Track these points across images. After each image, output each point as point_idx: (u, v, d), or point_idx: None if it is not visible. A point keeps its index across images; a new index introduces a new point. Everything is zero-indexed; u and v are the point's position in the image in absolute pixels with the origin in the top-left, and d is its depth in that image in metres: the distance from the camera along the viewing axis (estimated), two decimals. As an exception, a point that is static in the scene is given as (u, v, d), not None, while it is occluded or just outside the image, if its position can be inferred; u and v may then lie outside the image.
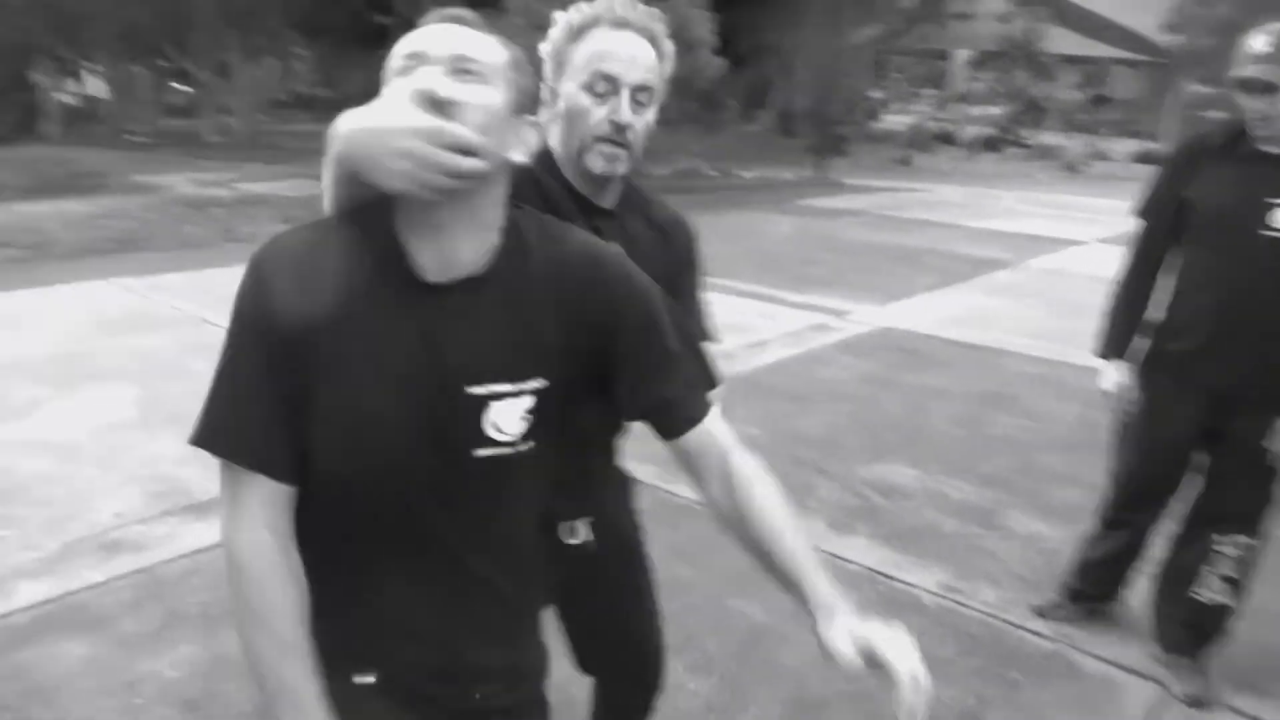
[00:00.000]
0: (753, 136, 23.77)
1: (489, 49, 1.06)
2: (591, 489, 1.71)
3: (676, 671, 2.30)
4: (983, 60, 29.09)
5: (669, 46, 1.50)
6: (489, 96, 1.04)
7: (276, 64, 25.48)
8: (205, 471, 3.64)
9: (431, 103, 1.00)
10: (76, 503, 3.45)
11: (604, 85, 1.43)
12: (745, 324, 6.54)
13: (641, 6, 1.48)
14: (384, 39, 13.63)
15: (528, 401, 1.12)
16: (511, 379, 1.11)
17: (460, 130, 1.00)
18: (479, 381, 1.09)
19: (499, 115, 1.04)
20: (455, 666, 1.21)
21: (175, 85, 23.68)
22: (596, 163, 1.47)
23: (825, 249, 10.06)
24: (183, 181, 12.60)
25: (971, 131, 25.70)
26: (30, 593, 2.86)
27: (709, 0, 14.58)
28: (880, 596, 3.13)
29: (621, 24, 1.44)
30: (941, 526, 3.68)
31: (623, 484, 1.85)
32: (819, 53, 20.52)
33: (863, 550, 3.45)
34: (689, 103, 15.47)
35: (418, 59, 1.03)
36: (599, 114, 1.44)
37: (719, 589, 3.09)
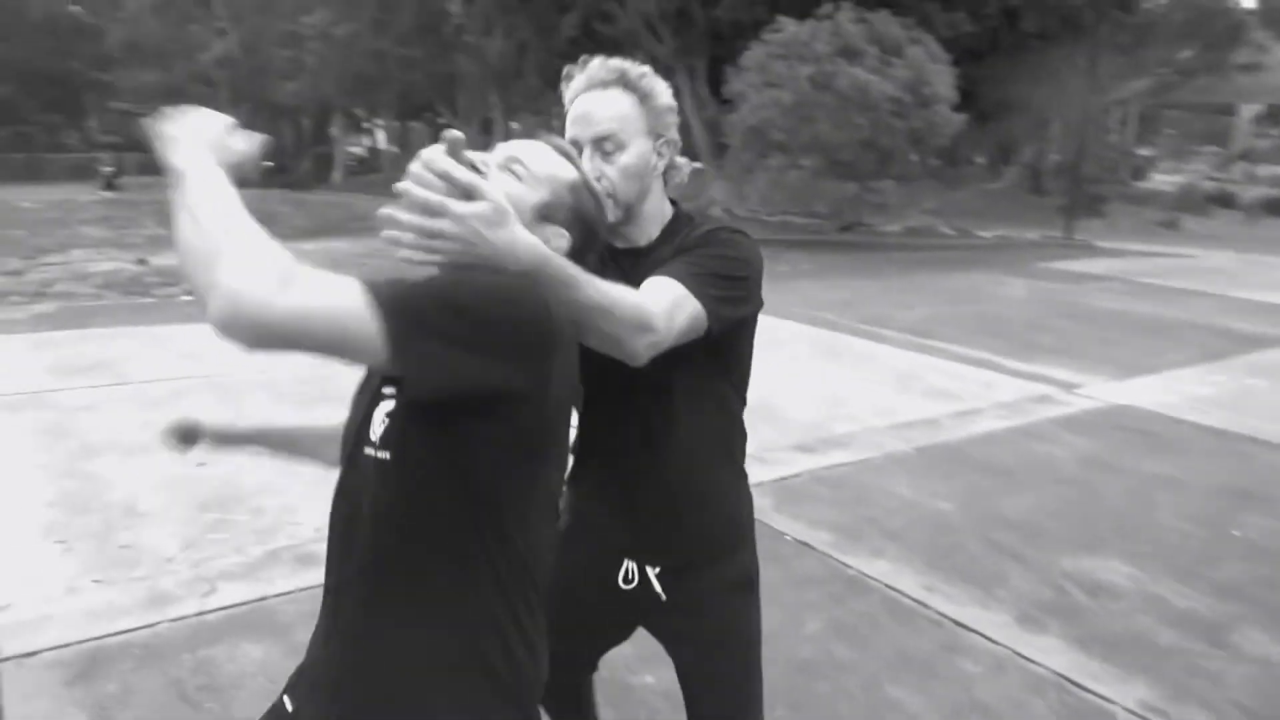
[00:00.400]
0: (998, 194, 22.67)
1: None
2: (662, 525, 1.64)
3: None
4: (1272, 115, 26.18)
5: (648, 85, 1.56)
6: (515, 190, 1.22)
7: (533, 119, 27.39)
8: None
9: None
10: (284, 515, 3.77)
11: (577, 148, 1.52)
12: (958, 390, 6.16)
13: (611, 61, 1.56)
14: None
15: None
16: None
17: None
18: None
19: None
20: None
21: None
22: None
23: (1062, 315, 9.34)
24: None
25: (1254, 193, 23.14)
26: (229, 594, 3.15)
27: (952, 55, 14.12)
28: (1066, 707, 2.79)
29: (582, 88, 1.55)
30: (1155, 636, 3.23)
31: (730, 535, 1.72)
32: (1076, 107, 19.31)
33: (1053, 652, 3.09)
34: (928, 159, 15.01)
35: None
36: None
37: (877, 674, 2.88)
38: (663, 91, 1.59)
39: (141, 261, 9.38)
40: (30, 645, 2.80)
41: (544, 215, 1.24)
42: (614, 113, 1.53)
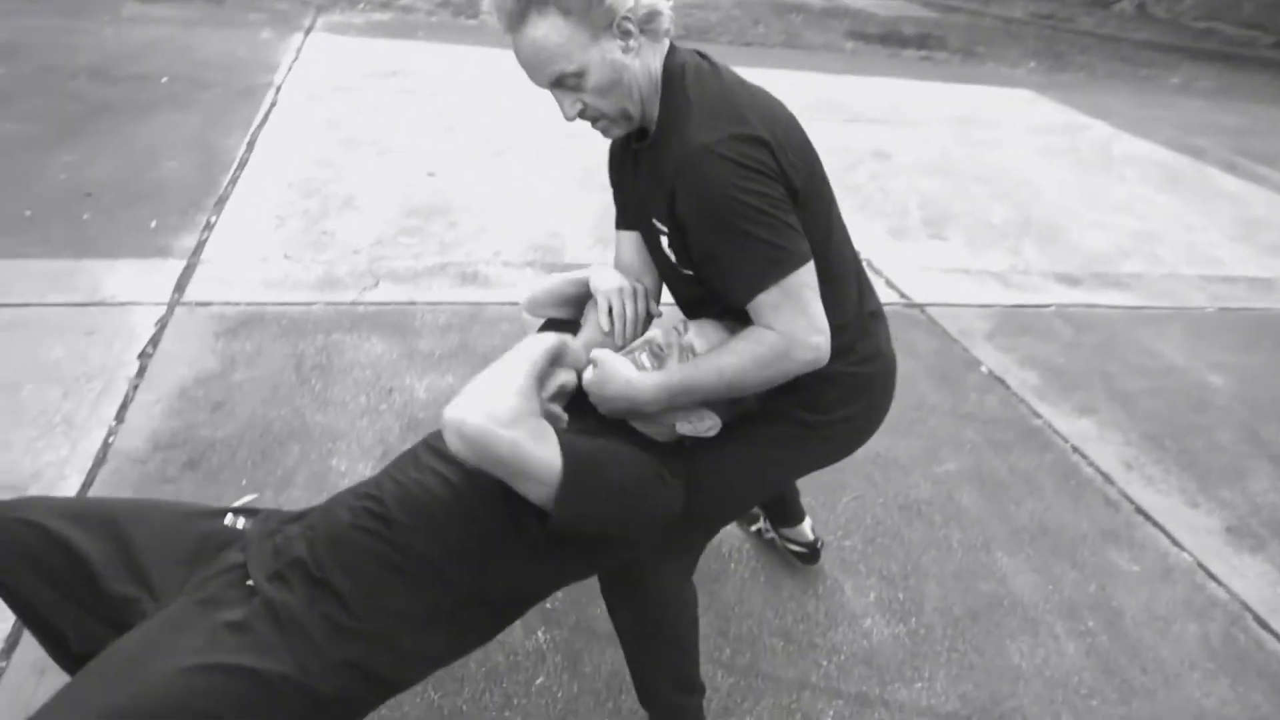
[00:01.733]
0: None
1: None
2: None
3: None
4: None
5: None
6: None
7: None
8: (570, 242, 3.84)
9: None
10: (473, 236, 3.84)
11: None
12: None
13: None
14: None
15: None
16: None
17: None
18: None
19: None
20: None
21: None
22: None
23: None
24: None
25: None
26: (385, 292, 3.29)
27: None
28: (1230, 648, 2.19)
29: (503, 28, 1.32)
30: None
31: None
32: None
33: (1251, 578, 2.43)
34: None
35: None
36: None
37: (994, 540, 2.43)
38: None
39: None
40: (208, 297, 3.13)
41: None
42: (550, 46, 1.29)
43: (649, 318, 1.59)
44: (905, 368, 3.17)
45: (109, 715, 1.01)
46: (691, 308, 1.56)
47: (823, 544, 2.27)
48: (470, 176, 4.48)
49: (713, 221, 1.30)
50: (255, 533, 1.29)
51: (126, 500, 1.36)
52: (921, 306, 3.73)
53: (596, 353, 1.40)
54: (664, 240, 1.44)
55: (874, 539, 2.39)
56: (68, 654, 1.27)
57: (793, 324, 1.31)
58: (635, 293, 1.57)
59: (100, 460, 2.31)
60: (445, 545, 1.24)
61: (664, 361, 1.42)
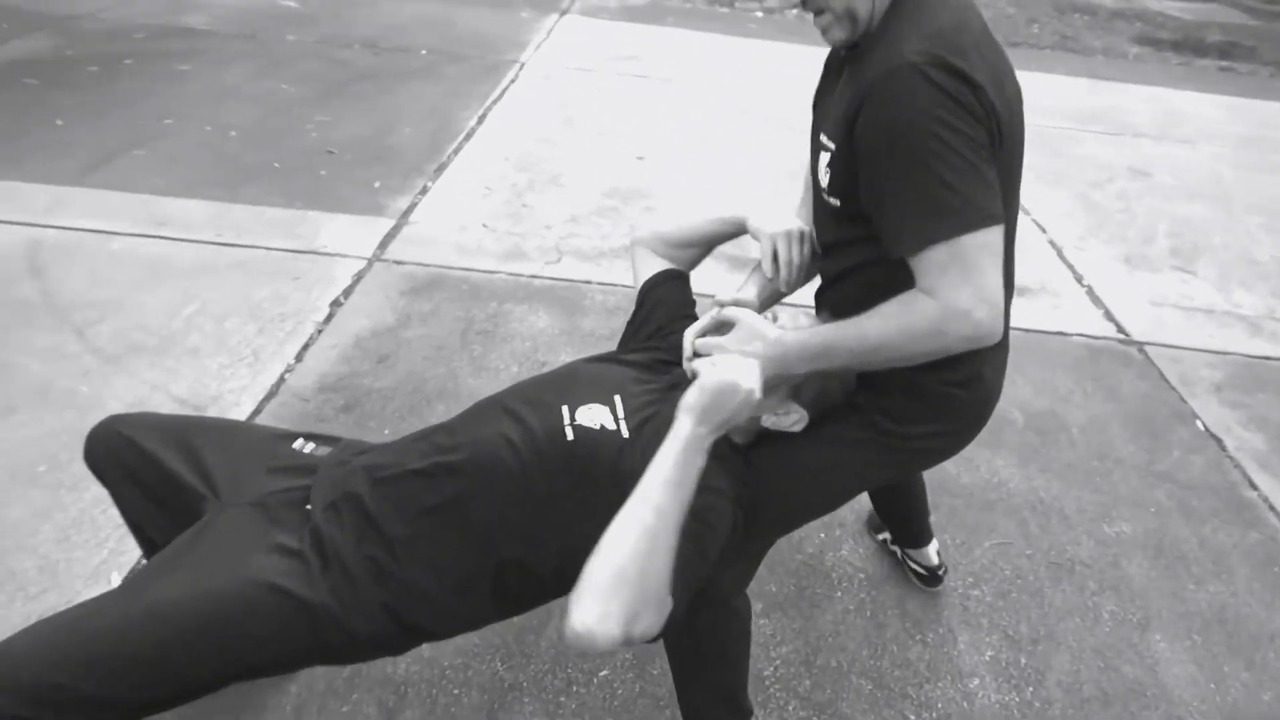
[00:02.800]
0: None
1: None
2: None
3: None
4: None
5: None
6: None
7: None
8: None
9: None
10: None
11: None
12: None
13: None
14: None
15: None
16: None
17: None
18: None
19: None
20: None
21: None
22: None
23: None
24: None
25: None
26: (566, 268, 3.38)
27: None
28: None
29: None
30: None
31: None
32: None
33: None
34: None
35: None
36: None
37: (1153, 621, 2.13)
38: None
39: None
40: (404, 256, 3.35)
41: (792, 394, 1.37)
42: None
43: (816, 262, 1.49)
44: (1100, 410, 2.87)
45: (161, 607, 1.10)
46: (830, 255, 1.43)
47: (946, 570, 2.10)
48: (678, 162, 4.49)
49: (896, 148, 1.15)
50: (328, 460, 1.35)
51: (211, 420, 1.47)
52: (1140, 345, 3.32)
53: (731, 312, 1.32)
54: (824, 159, 1.30)
55: (1008, 593, 2.16)
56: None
57: (955, 292, 1.14)
58: (803, 237, 1.47)
59: (272, 393, 2.54)
60: (501, 514, 1.24)
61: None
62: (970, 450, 2.58)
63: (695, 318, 1.48)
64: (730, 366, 1.19)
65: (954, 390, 1.36)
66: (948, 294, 1.14)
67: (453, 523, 1.22)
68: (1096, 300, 3.60)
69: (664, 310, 1.56)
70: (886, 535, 2.20)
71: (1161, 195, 4.83)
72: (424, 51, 5.84)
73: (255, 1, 6.63)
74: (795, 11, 8.36)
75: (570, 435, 1.26)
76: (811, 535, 2.24)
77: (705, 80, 5.87)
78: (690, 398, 1.18)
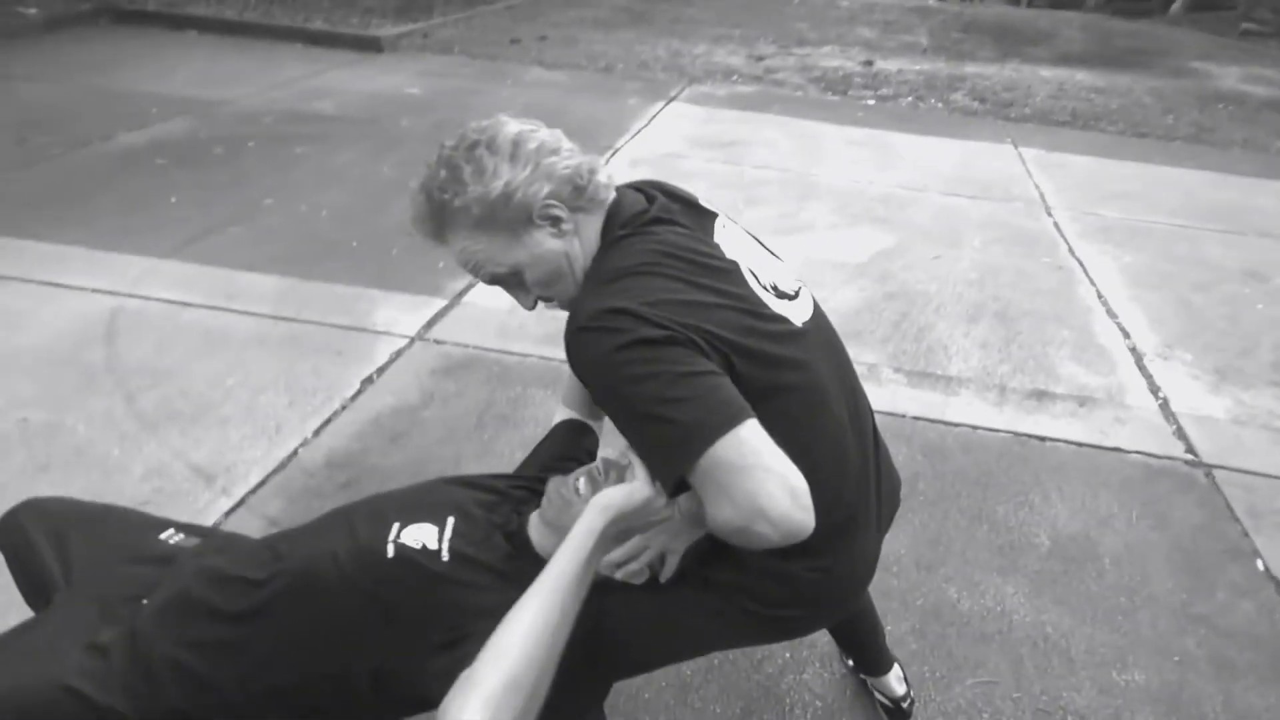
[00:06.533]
0: None
1: None
2: None
3: None
4: None
5: (462, 202, 1.22)
6: None
7: None
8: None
9: None
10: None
11: None
12: None
13: (417, 207, 1.27)
14: None
15: None
16: None
17: None
18: None
19: None
20: None
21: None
22: None
23: None
24: (1237, 74, 11.14)
25: None
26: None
27: None
28: None
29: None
30: None
31: None
32: None
33: None
34: None
35: None
36: None
37: None
38: (476, 190, 1.21)
39: (867, 63, 9.67)
40: (446, 336, 3.46)
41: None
42: (475, 258, 1.27)
43: None
44: (1142, 539, 2.64)
45: None
46: None
47: (912, 704, 1.96)
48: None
49: (608, 402, 1.17)
50: (186, 554, 1.41)
51: (100, 509, 1.55)
52: (1209, 468, 3.03)
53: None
54: None
55: (982, 739, 1.98)
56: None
57: (722, 512, 1.07)
58: None
59: (280, 467, 2.66)
60: (313, 628, 1.25)
61: (598, 487, 1.32)
62: (979, 574, 2.44)
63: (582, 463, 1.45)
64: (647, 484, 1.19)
65: (818, 576, 1.30)
66: (717, 513, 1.08)
67: (268, 631, 1.23)
68: (1169, 415, 3.32)
69: (551, 449, 1.58)
70: (851, 660, 2.07)
71: (1276, 302, 4.45)
72: (525, 137, 6.09)
73: (382, 88, 7.12)
74: (910, 99, 8.29)
75: (390, 552, 1.26)
76: (775, 654, 2.14)
77: (791, 168, 5.87)
78: (613, 497, 1.16)
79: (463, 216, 1.22)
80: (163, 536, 1.45)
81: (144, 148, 5.31)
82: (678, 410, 1.07)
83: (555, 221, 1.26)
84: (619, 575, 1.32)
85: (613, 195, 1.32)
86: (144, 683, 1.22)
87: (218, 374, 3.09)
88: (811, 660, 2.13)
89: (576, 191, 1.26)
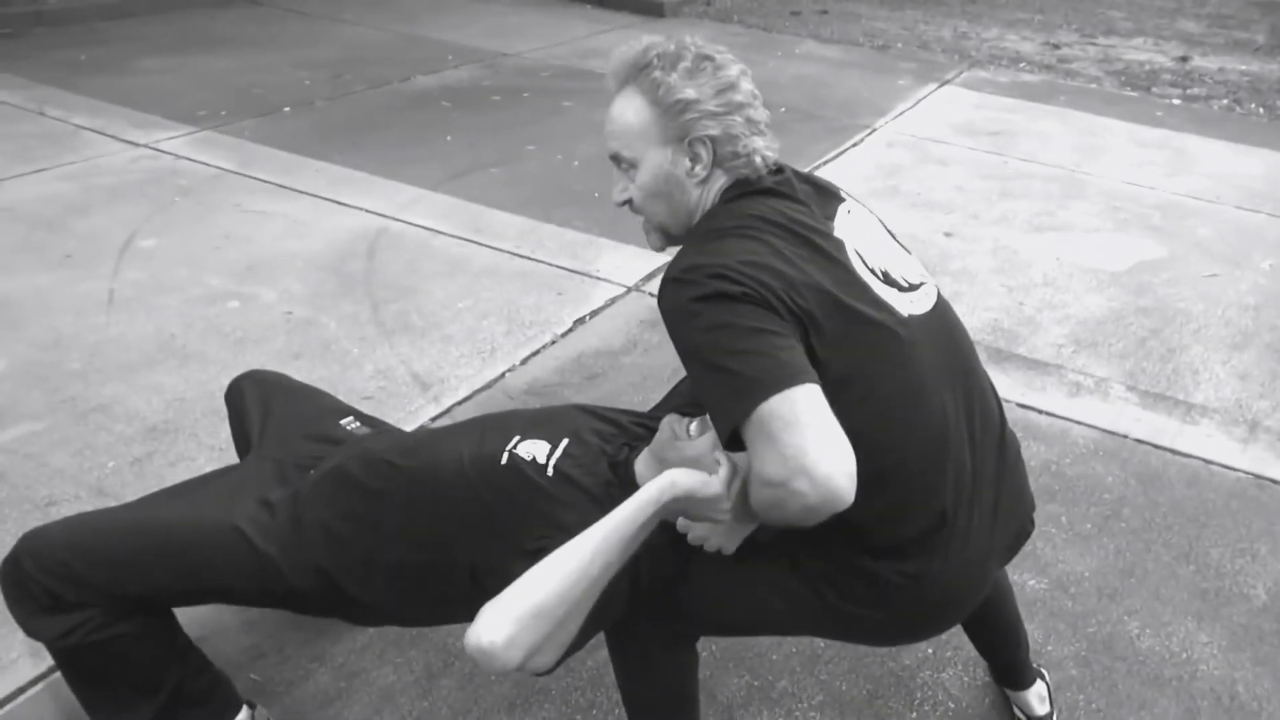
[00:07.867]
0: None
1: None
2: None
3: None
4: None
5: (657, 80, 1.30)
6: None
7: None
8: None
9: None
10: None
11: None
12: None
13: (629, 49, 1.35)
14: None
15: None
16: None
17: None
18: None
19: None
20: None
21: None
22: None
23: None
24: None
25: None
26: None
27: None
28: None
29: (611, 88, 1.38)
30: None
31: None
32: None
33: None
34: None
35: None
36: None
37: None
38: (677, 83, 1.28)
39: (1182, 59, 8.68)
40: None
41: None
42: (621, 125, 1.35)
43: None
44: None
45: (148, 522, 1.41)
46: None
47: None
48: (987, 247, 4.25)
49: (681, 353, 1.20)
50: (356, 438, 1.60)
51: (300, 387, 1.78)
52: None
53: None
54: None
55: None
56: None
57: (767, 468, 1.07)
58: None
59: (487, 386, 2.89)
60: (430, 516, 1.38)
61: (707, 430, 1.34)
62: (1170, 614, 2.23)
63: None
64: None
65: (905, 583, 1.28)
66: (761, 468, 1.07)
67: (394, 511, 1.39)
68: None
69: (685, 393, 1.63)
70: None
71: None
72: (783, 109, 6.07)
73: (655, 52, 7.34)
74: (1225, 101, 7.40)
75: (504, 459, 1.37)
76: (915, 647, 2.07)
77: (1061, 163, 5.45)
78: (688, 480, 1.20)
79: (648, 88, 1.30)
80: (343, 422, 1.66)
81: (434, 91, 5.84)
82: (743, 363, 1.10)
83: (695, 159, 1.32)
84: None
85: (752, 174, 1.36)
86: (296, 538, 1.41)
87: (452, 296, 3.39)
88: (954, 661, 2.05)
89: (732, 155, 1.32)
